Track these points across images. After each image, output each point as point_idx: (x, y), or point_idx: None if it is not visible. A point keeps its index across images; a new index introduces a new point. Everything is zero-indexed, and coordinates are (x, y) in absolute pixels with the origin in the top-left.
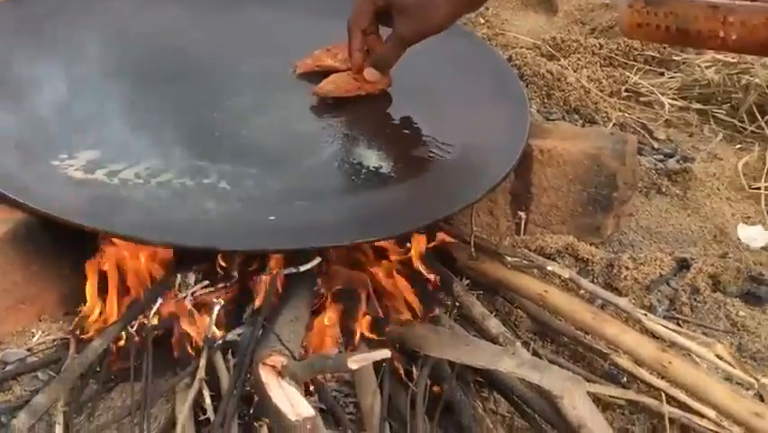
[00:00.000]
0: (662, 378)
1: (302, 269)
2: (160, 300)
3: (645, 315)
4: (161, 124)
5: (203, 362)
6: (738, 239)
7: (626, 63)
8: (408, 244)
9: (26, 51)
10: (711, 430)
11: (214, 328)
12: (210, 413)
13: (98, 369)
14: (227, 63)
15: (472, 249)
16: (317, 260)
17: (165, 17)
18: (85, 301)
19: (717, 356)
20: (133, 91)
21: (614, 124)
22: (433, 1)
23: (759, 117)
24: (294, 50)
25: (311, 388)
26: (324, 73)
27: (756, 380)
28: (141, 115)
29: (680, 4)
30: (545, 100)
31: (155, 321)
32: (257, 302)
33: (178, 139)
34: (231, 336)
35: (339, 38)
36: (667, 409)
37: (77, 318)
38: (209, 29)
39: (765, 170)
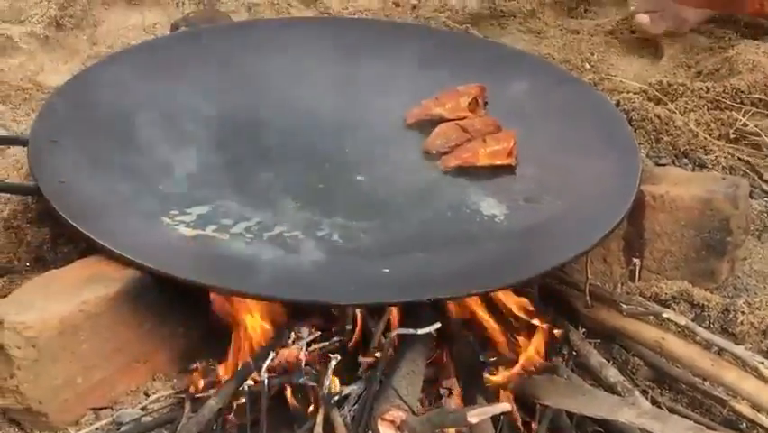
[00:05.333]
0: None
1: (420, 332)
2: (272, 355)
3: (762, 363)
4: (272, 177)
5: (320, 418)
6: None
7: (732, 106)
8: (524, 293)
9: (137, 107)
10: None
11: (330, 383)
12: None
13: (214, 428)
14: (337, 114)
15: (587, 297)
16: (437, 324)
17: (273, 69)
18: (198, 359)
19: None
20: (243, 145)
21: (723, 168)
22: None
23: None
24: (402, 100)
25: None
26: (434, 121)
27: None
28: (251, 168)
29: None
30: (654, 145)
31: (270, 377)
32: (373, 356)
33: (289, 192)
34: (348, 390)
35: (447, 87)
36: None
37: (191, 376)
38: (317, 80)
39: None
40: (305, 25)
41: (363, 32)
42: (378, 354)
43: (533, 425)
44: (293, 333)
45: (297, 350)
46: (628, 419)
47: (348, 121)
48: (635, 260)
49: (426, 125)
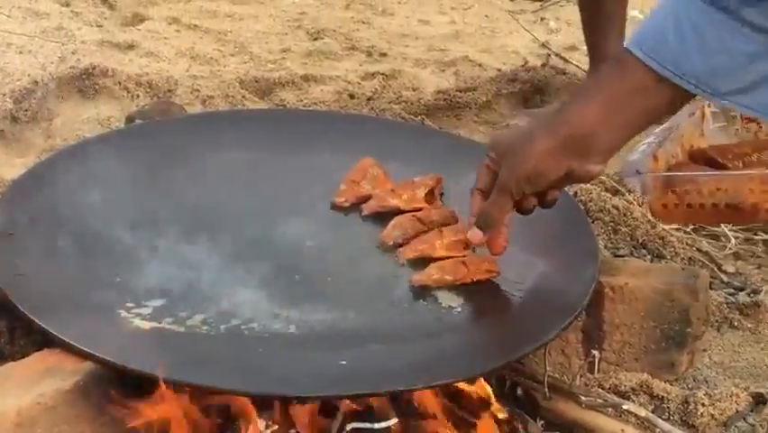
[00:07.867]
0: None
1: (377, 426)
2: None
3: None
4: (227, 269)
5: None
6: None
7: None
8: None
9: (92, 199)
10: None
11: None
12: None
13: None
14: (292, 206)
15: (546, 389)
16: (393, 420)
17: (228, 161)
18: None
19: None
20: (198, 237)
21: (682, 259)
22: (527, 135)
23: None
24: None
25: None
26: (390, 213)
27: None
28: (207, 261)
29: (731, 180)
30: (612, 236)
31: None
32: None
33: (245, 284)
34: None
35: (402, 179)
36: None
37: None
38: (272, 173)
39: None
40: (259, 117)
41: (318, 124)
42: None
43: None
44: (251, 428)
45: None
46: None
47: (303, 213)
48: (593, 351)
49: (382, 217)
